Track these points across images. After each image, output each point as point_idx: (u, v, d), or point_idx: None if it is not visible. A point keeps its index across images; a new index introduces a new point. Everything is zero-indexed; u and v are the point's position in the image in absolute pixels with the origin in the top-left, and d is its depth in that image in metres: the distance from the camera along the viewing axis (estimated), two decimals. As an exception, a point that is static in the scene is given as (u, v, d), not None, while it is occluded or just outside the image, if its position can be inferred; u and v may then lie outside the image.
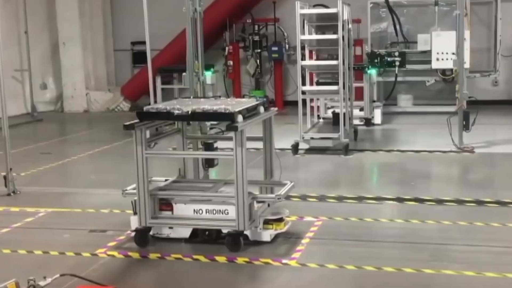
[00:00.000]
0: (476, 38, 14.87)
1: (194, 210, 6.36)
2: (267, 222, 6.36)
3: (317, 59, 12.13)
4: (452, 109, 11.49)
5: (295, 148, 10.79)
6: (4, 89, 8.68)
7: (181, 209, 6.40)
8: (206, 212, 6.33)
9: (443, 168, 10.10)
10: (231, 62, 16.97)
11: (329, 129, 11.57)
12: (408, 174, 9.53)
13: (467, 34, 11.81)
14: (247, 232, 6.19)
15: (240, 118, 5.99)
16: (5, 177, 8.63)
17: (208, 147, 7.88)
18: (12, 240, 6.77)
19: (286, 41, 16.87)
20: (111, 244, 6.47)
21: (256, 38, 16.99)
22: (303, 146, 10.95)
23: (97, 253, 6.22)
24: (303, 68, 11.41)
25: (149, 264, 5.99)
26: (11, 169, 8.66)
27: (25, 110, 17.22)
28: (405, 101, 15.87)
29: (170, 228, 6.43)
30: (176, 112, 6.13)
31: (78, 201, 8.29)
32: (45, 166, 10.49)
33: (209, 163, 7.96)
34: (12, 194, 8.61)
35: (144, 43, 12.50)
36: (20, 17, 17.07)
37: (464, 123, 10.74)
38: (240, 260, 5.92)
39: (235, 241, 6.10)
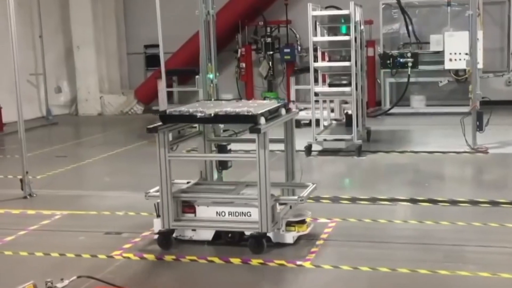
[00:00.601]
0: (489, 38, 14.82)
1: (217, 212, 6.37)
2: (289, 224, 6.36)
3: (330, 60, 12.14)
4: (465, 109, 11.47)
5: (308, 150, 10.81)
6: (20, 93, 8.77)
7: (204, 211, 6.41)
8: (228, 214, 6.34)
9: (457, 169, 10.09)
10: (243, 64, 17.03)
11: (342, 130, 11.58)
12: (421, 175, 9.53)
13: (480, 34, 11.78)
14: (270, 234, 6.20)
15: (262, 120, 6.00)
16: (21, 180, 8.71)
17: (222, 149, 7.93)
18: (29, 242, 6.83)
19: (299, 43, 16.89)
20: (127, 246, 6.52)
21: (269, 40, 17.04)
22: (316, 147, 10.97)
23: (113, 255, 6.27)
24: (315, 70, 11.43)
25: (165, 266, 6.03)
26: (27, 172, 8.74)
27: (40, 114, 17.35)
28: (418, 102, 15.85)
29: (193, 230, 6.44)
30: (199, 114, 6.14)
31: (93, 203, 8.36)
32: (60, 169, 10.57)
33: (223, 165, 8.00)
34: (28, 197, 8.68)
35: (157, 46, 12.60)
36: (34, 21, 17.21)
37: (477, 123, 10.72)
38: (256, 262, 5.95)
39: (258, 243, 6.11)
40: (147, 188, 9.05)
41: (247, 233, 6.23)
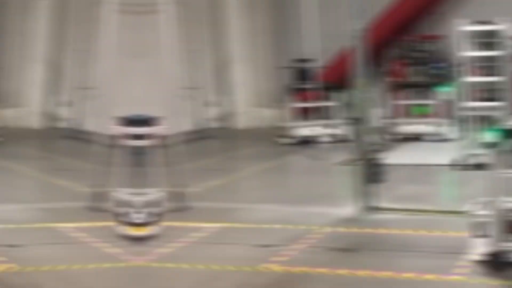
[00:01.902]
0: None
1: None
2: None
3: (480, 75, 11.90)
4: None
5: (457, 165, 10.60)
6: (176, 106, 9.01)
7: None
8: None
9: None
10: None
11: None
12: None
13: None
14: None
15: None
16: (178, 193, 8.89)
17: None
18: (189, 254, 7.02)
19: (450, 58, 16.58)
20: (281, 259, 6.63)
21: (419, 54, 16.88)
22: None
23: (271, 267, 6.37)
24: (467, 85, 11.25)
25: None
26: (185, 184, 8.99)
27: (195, 127, 17.91)
28: None
29: None
30: None
31: (249, 216, 8.57)
32: (215, 182, 10.80)
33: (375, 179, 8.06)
34: (185, 209, 8.80)
35: (306, 60, 12.82)
36: (189, 35, 17.68)
37: None
38: None
39: None
40: (300, 201, 9.22)
41: None
